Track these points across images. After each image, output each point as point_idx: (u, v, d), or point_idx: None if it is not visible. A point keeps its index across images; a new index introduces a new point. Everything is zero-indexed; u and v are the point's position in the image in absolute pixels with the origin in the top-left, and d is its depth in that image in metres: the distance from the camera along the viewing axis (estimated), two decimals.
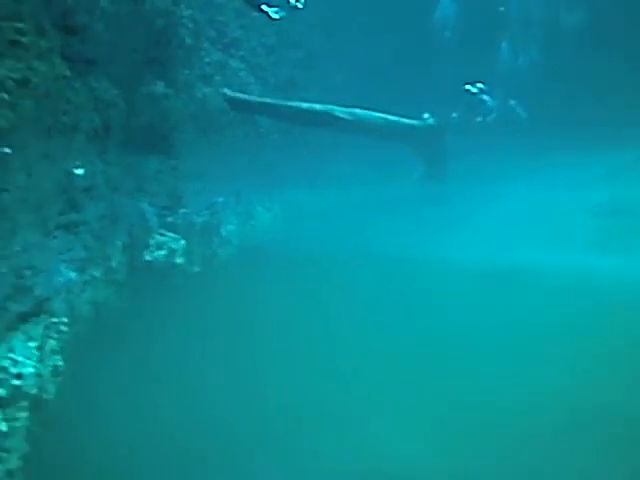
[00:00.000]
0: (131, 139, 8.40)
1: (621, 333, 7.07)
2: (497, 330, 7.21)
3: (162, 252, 9.14)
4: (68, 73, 6.03)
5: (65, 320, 6.42)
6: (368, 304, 8.29)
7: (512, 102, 16.47)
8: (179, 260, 9.34)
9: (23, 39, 5.11)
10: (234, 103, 12.11)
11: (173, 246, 9.32)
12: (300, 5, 8.46)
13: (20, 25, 5.13)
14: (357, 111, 12.95)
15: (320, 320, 7.87)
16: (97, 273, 7.77)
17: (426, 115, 14.61)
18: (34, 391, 5.61)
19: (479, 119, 16.01)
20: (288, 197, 14.42)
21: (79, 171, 6.49)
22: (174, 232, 9.51)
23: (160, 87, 8.84)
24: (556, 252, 9.48)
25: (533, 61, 17.66)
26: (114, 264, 8.19)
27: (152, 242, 9.10)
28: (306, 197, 14.96)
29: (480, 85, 16.18)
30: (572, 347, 6.78)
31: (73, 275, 6.65)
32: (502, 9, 18.20)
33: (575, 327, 7.11)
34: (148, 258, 8.95)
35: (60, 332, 6.48)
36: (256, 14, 15.50)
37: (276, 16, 8.46)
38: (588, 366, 6.40)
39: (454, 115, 15.97)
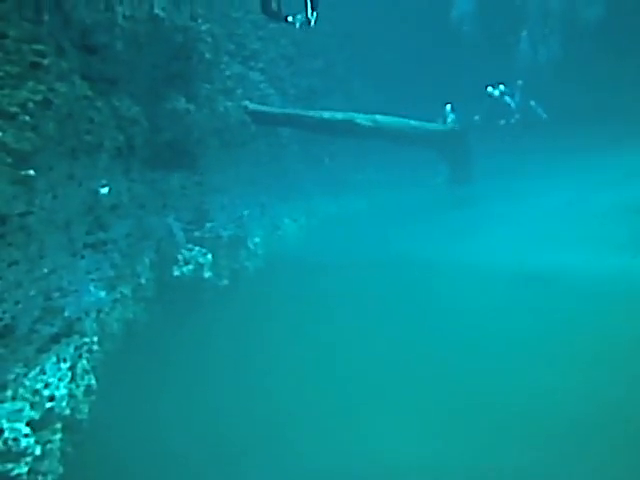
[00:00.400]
0: (155, 156, 8.43)
1: None
2: (525, 338, 7.07)
3: (190, 267, 9.15)
4: (89, 93, 6.06)
5: (96, 339, 6.42)
6: (393, 310, 8.17)
7: (532, 103, 16.19)
8: (207, 274, 9.35)
9: (43, 61, 5.12)
10: (256, 116, 12.10)
11: (201, 260, 9.33)
12: (312, 21, 8.33)
13: (40, 47, 5.14)
14: (378, 117, 12.87)
15: (347, 327, 7.79)
16: (126, 291, 7.81)
17: (448, 108, 14.55)
18: (67, 412, 5.59)
19: (502, 122, 15.74)
20: (313, 207, 14.44)
21: (104, 190, 6.50)
22: (201, 246, 9.53)
23: (182, 103, 8.84)
24: (588, 253, 9.23)
25: (553, 56, 17.41)
26: (143, 281, 8.22)
27: (180, 257, 9.12)
28: (331, 206, 14.97)
29: (501, 87, 15.91)
30: (603, 350, 6.57)
31: (102, 294, 6.63)
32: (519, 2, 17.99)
33: (608, 331, 6.92)
34: (176, 273, 8.96)
35: (91, 352, 6.48)
36: (273, 25, 15.89)
37: (306, 24, 8.32)
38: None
39: (476, 118, 15.80)
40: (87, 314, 6.24)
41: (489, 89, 15.85)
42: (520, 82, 16.70)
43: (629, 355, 6.54)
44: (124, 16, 6.83)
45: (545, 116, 16.05)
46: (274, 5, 8.78)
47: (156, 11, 7.45)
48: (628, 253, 8.83)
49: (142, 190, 7.76)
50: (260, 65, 14.85)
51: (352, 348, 7.36)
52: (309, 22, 8.57)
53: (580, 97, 16.65)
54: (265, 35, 15.52)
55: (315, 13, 8.65)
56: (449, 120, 14.82)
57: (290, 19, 8.86)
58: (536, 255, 9.28)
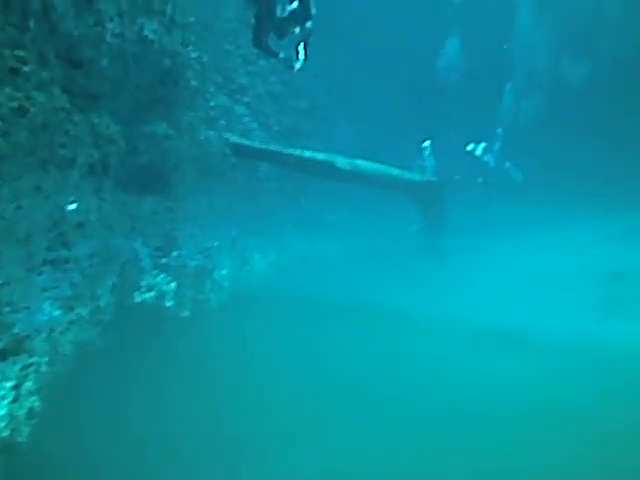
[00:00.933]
0: (129, 177, 8.25)
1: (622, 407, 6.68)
2: (486, 400, 6.77)
3: (152, 294, 8.91)
4: (68, 106, 5.89)
5: (45, 360, 6.13)
6: (354, 360, 7.92)
7: (507, 164, 16.33)
8: (169, 303, 9.13)
9: (24, 67, 4.97)
10: (236, 148, 12.04)
11: (164, 288, 9.12)
12: (299, 65, 8.28)
13: (22, 53, 5.00)
14: (359, 162, 12.89)
15: (305, 375, 7.48)
16: (84, 312, 7.48)
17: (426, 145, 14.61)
18: (6, 433, 5.29)
19: (480, 180, 15.87)
20: (285, 244, 14.28)
21: (72, 206, 6.29)
22: (166, 274, 9.31)
23: (162, 127, 8.73)
24: (555, 314, 9.21)
25: (536, 112, 17.67)
26: (102, 304, 7.90)
27: (143, 283, 8.87)
28: (303, 245, 14.84)
29: (483, 145, 16.08)
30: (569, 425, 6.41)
31: (57, 313, 6.36)
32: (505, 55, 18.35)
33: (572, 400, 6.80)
34: (138, 299, 8.68)
35: (39, 372, 6.20)
36: (262, 62, 16.01)
37: (299, 65, 8.24)
38: (585, 450, 5.79)
39: (456, 177, 15.93)
40: (38, 333, 5.96)
41: (469, 146, 15.99)
42: (499, 130, 16.90)
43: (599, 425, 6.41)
44: (113, 33, 6.73)
45: (520, 178, 16.22)
46: (267, 41, 8.69)
47: (146, 33, 7.38)
48: (597, 317, 8.82)
49: (111, 211, 7.55)
50: (246, 99, 14.93)
51: (294, 408, 6.96)
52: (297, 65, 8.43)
53: (562, 155, 16.96)
54: (254, 70, 15.64)
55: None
56: (427, 164, 14.97)
57: (282, 55, 8.74)
58: (506, 313, 9.19)
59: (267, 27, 7.74)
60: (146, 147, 8.39)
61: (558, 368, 7.41)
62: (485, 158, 16.05)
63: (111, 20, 6.62)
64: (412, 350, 8.00)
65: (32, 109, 5.04)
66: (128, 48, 7.11)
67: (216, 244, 10.90)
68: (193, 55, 9.66)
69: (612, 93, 17.04)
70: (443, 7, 18.23)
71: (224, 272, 11.20)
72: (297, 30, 7.59)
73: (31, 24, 5.18)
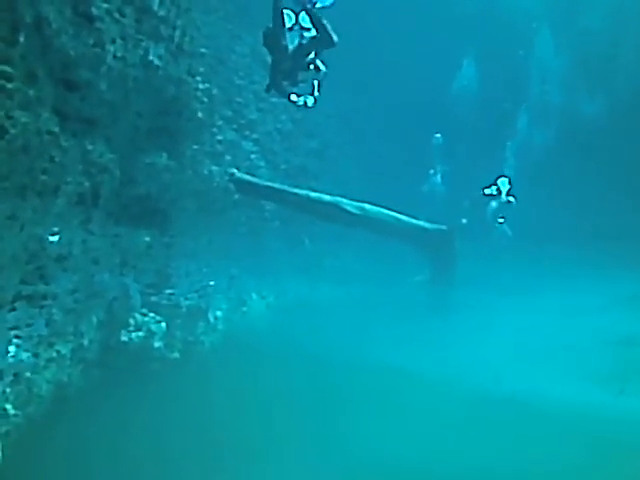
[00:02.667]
0: (123, 209, 7.79)
1: None
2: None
3: (140, 333, 8.43)
4: (56, 129, 5.43)
5: (9, 406, 5.56)
6: (348, 419, 7.38)
7: (500, 221, 15.72)
8: (157, 344, 8.61)
9: (7, 84, 4.51)
10: (241, 185, 11.61)
11: (153, 328, 8.61)
12: (310, 104, 8.09)
13: (7, 69, 4.54)
14: (366, 206, 12.43)
15: (295, 438, 6.95)
16: (64, 350, 7.00)
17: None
18: None
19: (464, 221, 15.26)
20: (285, 287, 13.83)
21: (54, 238, 5.78)
22: (156, 313, 8.83)
23: (163, 158, 8.29)
24: (567, 384, 8.58)
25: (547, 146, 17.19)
26: (86, 342, 7.44)
27: (131, 321, 8.41)
28: (304, 289, 14.37)
29: (503, 181, 15.40)
30: None
31: (27, 353, 5.81)
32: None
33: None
34: (124, 338, 8.24)
35: (5, 416, 5.66)
36: (274, 99, 15.75)
37: (310, 103, 8.07)
38: None
39: (464, 221, 15.41)
40: (3, 374, 5.40)
41: (489, 189, 15.37)
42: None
43: None
44: (115, 56, 6.32)
45: (510, 234, 15.51)
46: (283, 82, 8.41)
47: (151, 58, 6.98)
48: (610, 389, 8.17)
49: (100, 244, 7.04)
50: (255, 136, 14.66)
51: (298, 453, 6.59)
52: (310, 102, 8.20)
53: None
54: (265, 107, 15.43)
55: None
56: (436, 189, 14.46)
57: (294, 97, 8.51)
58: (511, 379, 8.55)
59: (283, 66, 7.70)
60: (144, 178, 7.93)
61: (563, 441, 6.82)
62: (506, 197, 15.38)
63: (113, 42, 6.21)
64: (411, 415, 7.40)
65: (12, 130, 4.57)
66: (130, 72, 6.68)
67: (212, 283, 10.42)
68: (201, 86, 9.27)
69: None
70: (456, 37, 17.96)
71: (219, 313, 10.76)
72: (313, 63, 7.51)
73: (21, 38, 4.74)
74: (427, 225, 13.10)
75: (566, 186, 17.19)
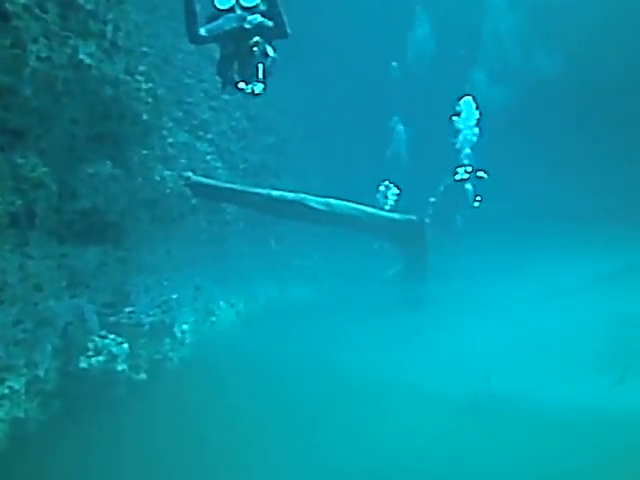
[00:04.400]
0: (66, 227, 7.11)
1: None
2: None
3: (101, 358, 7.82)
4: None
5: None
6: (325, 434, 7.01)
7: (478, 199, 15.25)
8: (121, 367, 8.03)
9: None
10: (198, 188, 10.92)
11: (114, 350, 8.01)
12: (258, 91, 8.08)
13: None
14: (332, 201, 11.87)
15: (273, 451, 6.68)
16: (17, 385, 6.50)
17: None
18: None
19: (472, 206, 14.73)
20: (254, 292, 13.34)
21: None
22: (117, 334, 8.21)
23: (107, 167, 7.59)
24: (561, 374, 8.11)
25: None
26: (41, 373, 6.93)
27: (90, 346, 7.80)
28: (274, 292, 13.96)
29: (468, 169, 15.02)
30: None
31: None
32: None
33: None
34: (84, 365, 7.64)
35: None
36: (226, 97, 15.15)
37: (258, 91, 8.07)
38: None
39: (432, 200, 14.94)
40: None
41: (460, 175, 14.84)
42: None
43: None
44: (38, 57, 5.63)
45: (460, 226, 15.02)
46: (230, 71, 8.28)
47: (81, 56, 6.28)
48: (610, 376, 7.70)
49: (41, 268, 6.36)
50: (209, 136, 14.01)
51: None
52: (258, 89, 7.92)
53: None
54: (217, 105, 14.82)
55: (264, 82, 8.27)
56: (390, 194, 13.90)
57: (242, 85, 8.17)
58: (501, 376, 7.98)
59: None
60: (87, 190, 7.21)
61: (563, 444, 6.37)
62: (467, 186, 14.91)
63: (35, 41, 5.52)
64: (394, 427, 6.89)
65: None
66: (58, 74, 5.99)
67: (175, 296, 9.78)
68: (144, 86, 8.55)
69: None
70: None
71: (185, 327, 10.23)
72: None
73: None
74: (396, 216, 12.62)
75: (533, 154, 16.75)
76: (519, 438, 6.67)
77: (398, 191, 16.04)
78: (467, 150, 15.59)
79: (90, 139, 7.27)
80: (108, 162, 7.62)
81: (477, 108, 15.75)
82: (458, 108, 15.79)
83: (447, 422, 7.02)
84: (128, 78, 7.48)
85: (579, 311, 10.51)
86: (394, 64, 18.32)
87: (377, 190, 16.18)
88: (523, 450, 6.41)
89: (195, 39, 7.91)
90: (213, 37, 7.91)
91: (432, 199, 15.25)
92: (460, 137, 15.84)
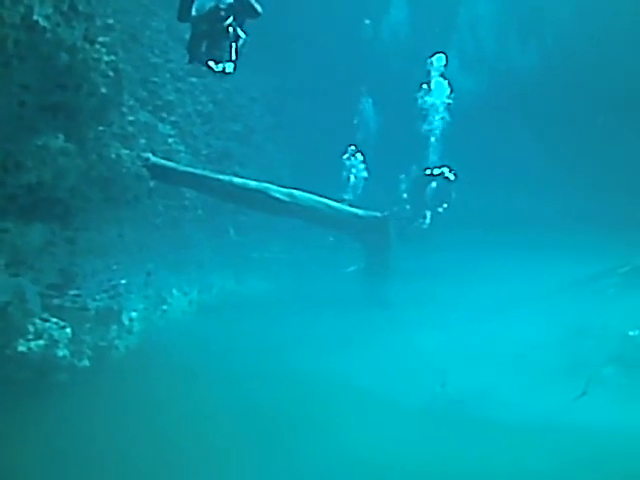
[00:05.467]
0: (11, 201, 6.65)
1: None
2: None
3: (41, 342, 7.48)
4: None
5: None
6: (269, 433, 6.83)
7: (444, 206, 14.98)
8: (62, 352, 7.69)
9: None
10: (157, 170, 10.47)
11: (55, 335, 7.66)
12: (228, 70, 7.86)
13: None
14: (296, 193, 11.58)
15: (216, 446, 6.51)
16: None
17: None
18: None
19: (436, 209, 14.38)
20: (209, 281, 12.92)
21: None
22: (60, 318, 7.86)
23: (58, 140, 7.12)
24: (520, 383, 7.95)
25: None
26: None
27: (30, 328, 7.44)
28: (230, 282, 13.58)
29: (445, 170, 14.48)
30: None
31: None
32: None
33: None
34: (22, 348, 7.29)
35: None
36: (193, 79, 14.73)
37: (229, 70, 7.81)
38: None
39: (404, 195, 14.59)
40: None
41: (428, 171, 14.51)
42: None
43: None
44: None
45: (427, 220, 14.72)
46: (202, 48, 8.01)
47: (36, 17, 5.82)
48: (569, 386, 7.57)
49: None
50: (173, 118, 13.58)
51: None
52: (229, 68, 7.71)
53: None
54: (183, 88, 14.42)
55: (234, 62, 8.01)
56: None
57: (212, 64, 7.91)
58: (459, 382, 7.80)
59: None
60: (35, 164, 6.75)
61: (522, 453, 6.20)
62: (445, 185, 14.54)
63: None
64: (345, 432, 6.63)
65: None
66: (9, 34, 5.53)
67: (124, 282, 9.36)
68: (106, 58, 8.09)
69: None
70: None
71: (134, 314, 9.86)
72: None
73: None
74: (360, 212, 12.38)
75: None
76: (473, 444, 6.51)
77: (366, 174, 15.82)
78: (432, 139, 15.44)
79: (42, 109, 6.80)
80: (60, 135, 7.18)
81: (451, 92, 15.52)
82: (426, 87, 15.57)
83: (401, 426, 6.79)
84: (87, 46, 7.02)
85: (541, 318, 10.42)
86: (367, 21, 17.92)
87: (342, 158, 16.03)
88: (475, 455, 6.25)
89: (184, 17, 7.72)
90: (199, 17, 7.70)
91: (404, 195, 14.89)
92: (429, 121, 15.67)
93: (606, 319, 9.66)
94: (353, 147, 16.26)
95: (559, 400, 7.20)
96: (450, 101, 15.62)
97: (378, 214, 12.40)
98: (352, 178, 16.00)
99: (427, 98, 15.74)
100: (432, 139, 15.67)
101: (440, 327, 10.35)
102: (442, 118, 15.81)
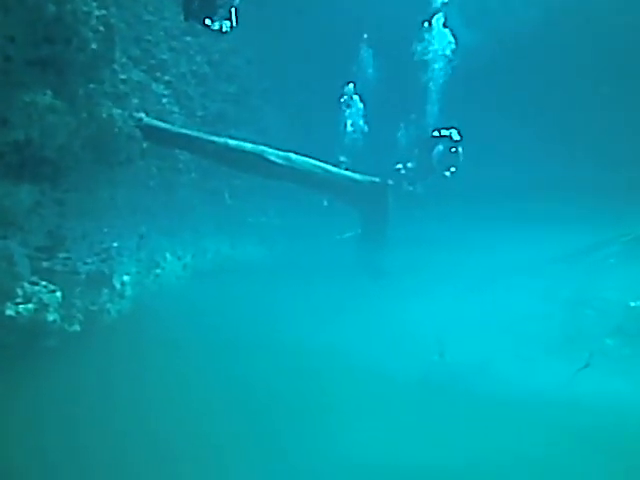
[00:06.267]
0: None
1: None
2: None
3: (30, 306, 7.33)
4: None
5: None
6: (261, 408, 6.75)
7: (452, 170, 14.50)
8: (52, 317, 7.53)
9: None
10: (151, 131, 10.16)
11: (45, 299, 7.50)
12: (225, 28, 7.95)
13: None
14: (293, 156, 11.27)
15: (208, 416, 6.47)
16: None
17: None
18: None
19: (443, 173, 13.74)
20: (203, 245, 12.72)
21: None
22: (50, 281, 7.70)
23: (47, 97, 6.83)
24: (514, 356, 7.80)
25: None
26: None
27: (19, 292, 7.27)
28: (224, 247, 13.33)
29: (453, 132, 13.76)
30: None
31: None
32: None
33: None
34: (10, 312, 7.12)
35: None
36: (188, 38, 14.31)
37: (226, 28, 7.90)
38: None
39: (409, 165, 14.13)
40: None
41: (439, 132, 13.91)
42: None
43: None
44: None
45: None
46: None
47: None
48: (567, 359, 7.42)
49: None
50: (167, 78, 13.18)
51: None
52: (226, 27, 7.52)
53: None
54: (178, 47, 13.97)
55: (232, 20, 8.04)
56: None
57: (208, 22, 7.70)
58: (457, 353, 7.64)
59: None
60: (21, 120, 6.47)
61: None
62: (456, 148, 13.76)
63: None
64: (340, 407, 6.48)
65: None
66: None
67: (116, 245, 9.16)
68: (97, 13, 7.74)
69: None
70: None
71: (126, 278, 9.69)
72: None
73: None
74: (358, 177, 12.07)
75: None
76: (471, 417, 6.41)
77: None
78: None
79: (29, 63, 6.51)
80: (48, 91, 6.89)
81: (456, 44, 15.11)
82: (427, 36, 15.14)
83: (398, 399, 6.64)
84: None
85: (540, 288, 10.24)
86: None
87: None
88: (474, 429, 6.19)
89: None
90: None
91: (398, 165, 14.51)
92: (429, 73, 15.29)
93: (607, 290, 9.50)
94: (352, 85, 15.75)
95: (561, 373, 7.04)
96: (452, 48, 15.15)
97: (377, 179, 12.09)
98: (349, 126, 15.63)
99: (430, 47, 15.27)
100: (432, 88, 15.19)
101: (436, 296, 10.17)
102: (443, 69, 15.36)
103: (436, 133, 13.61)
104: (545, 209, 13.80)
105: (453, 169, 13.70)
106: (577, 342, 7.99)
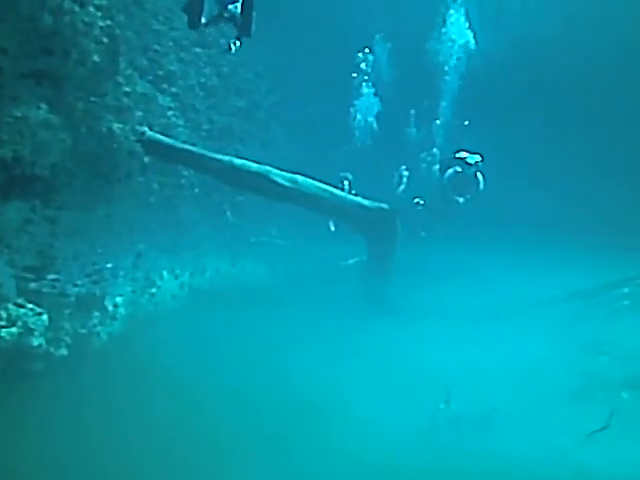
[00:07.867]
0: None
1: None
2: None
3: (14, 330, 7.09)
4: None
5: None
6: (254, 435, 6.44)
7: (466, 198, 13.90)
8: (37, 341, 7.29)
9: None
10: (153, 146, 9.81)
11: (30, 323, 7.25)
12: (233, 49, 7.95)
13: None
14: (299, 178, 10.83)
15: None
16: None
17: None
18: None
19: (461, 199, 12.77)
20: (202, 263, 12.33)
21: None
22: (37, 303, 7.45)
23: (41, 111, 6.47)
24: (516, 403, 7.29)
25: None
26: None
27: (3, 314, 7.05)
28: (224, 266, 12.92)
29: (477, 157, 12.83)
30: None
31: None
32: None
33: None
34: None
35: None
36: (198, 50, 14.04)
37: (234, 47, 7.91)
38: None
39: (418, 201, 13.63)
40: None
41: (460, 154, 12.83)
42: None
43: None
44: None
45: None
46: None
47: None
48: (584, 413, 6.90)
49: None
50: (173, 90, 12.91)
51: None
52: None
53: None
54: (187, 58, 13.73)
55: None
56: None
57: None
58: (464, 400, 7.11)
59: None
60: (11, 137, 6.11)
61: None
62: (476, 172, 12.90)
63: None
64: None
65: None
66: None
67: (110, 265, 8.82)
68: (101, 23, 7.41)
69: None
70: None
71: (119, 299, 9.37)
72: None
73: None
74: (366, 202, 11.63)
75: None
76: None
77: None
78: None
79: (22, 76, 6.15)
80: (43, 105, 6.52)
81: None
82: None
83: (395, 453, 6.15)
84: (76, 8, 6.32)
85: (549, 329, 9.73)
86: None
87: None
88: None
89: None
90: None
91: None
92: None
93: (620, 334, 9.04)
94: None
95: (573, 430, 6.51)
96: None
97: (385, 205, 11.65)
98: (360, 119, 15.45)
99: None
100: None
101: (441, 334, 9.62)
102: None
103: (458, 155, 12.86)
104: (558, 243, 13.26)
105: (469, 196, 12.93)
106: (590, 392, 7.46)
